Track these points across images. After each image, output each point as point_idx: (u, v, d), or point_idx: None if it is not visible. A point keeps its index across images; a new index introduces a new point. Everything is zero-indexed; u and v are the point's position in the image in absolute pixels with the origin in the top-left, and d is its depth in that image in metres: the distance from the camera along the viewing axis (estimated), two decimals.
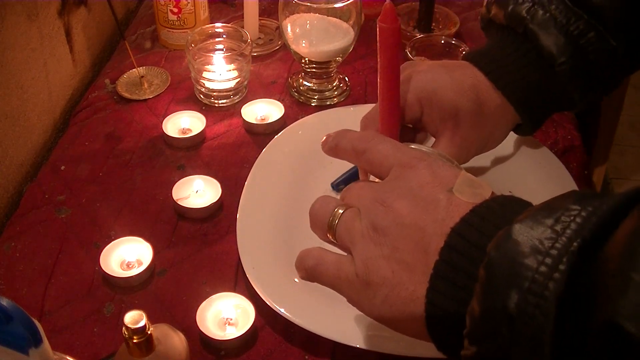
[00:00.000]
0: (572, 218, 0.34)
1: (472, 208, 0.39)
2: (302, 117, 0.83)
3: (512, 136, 0.78)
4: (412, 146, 0.54)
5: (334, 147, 0.50)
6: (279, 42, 0.98)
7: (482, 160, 0.74)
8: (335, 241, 0.47)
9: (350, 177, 0.75)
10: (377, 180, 0.48)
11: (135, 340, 0.48)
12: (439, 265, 0.39)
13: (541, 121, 0.66)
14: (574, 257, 0.33)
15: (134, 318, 0.47)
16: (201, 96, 0.88)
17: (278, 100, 0.86)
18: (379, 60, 0.57)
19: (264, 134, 0.82)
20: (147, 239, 0.68)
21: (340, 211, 0.46)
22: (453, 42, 0.88)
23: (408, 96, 0.62)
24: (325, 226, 0.46)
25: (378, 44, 0.56)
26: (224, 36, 0.90)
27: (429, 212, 0.41)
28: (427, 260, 0.40)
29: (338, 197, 0.73)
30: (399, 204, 0.42)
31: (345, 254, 0.46)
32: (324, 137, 0.52)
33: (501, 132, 0.64)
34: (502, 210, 0.39)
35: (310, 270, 0.47)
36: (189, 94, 0.89)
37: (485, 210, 0.39)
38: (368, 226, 0.43)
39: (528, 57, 0.62)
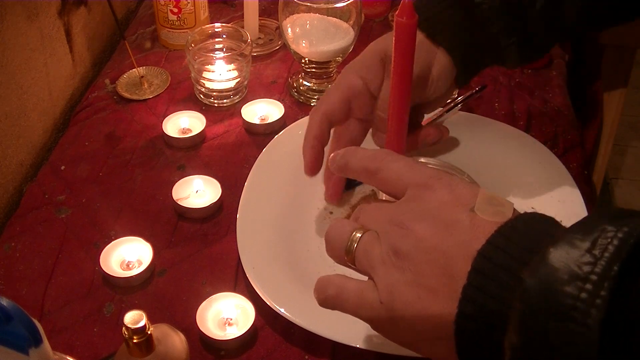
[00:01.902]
0: (609, 240, 0.33)
1: (497, 229, 0.38)
2: (302, 117, 0.83)
3: (512, 137, 0.79)
4: (422, 160, 0.54)
5: (343, 166, 0.49)
6: (279, 42, 0.98)
7: (481, 160, 0.74)
8: (353, 266, 0.45)
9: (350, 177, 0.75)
10: (388, 198, 0.47)
11: (135, 340, 0.48)
12: (467, 290, 0.38)
13: (472, 68, 0.65)
14: (614, 282, 0.32)
15: (134, 318, 0.47)
16: (201, 96, 0.88)
17: (278, 100, 0.86)
18: (393, 55, 0.57)
19: (264, 134, 0.82)
20: (147, 239, 0.68)
21: (358, 235, 0.44)
22: None
23: (351, 81, 0.63)
24: (342, 251, 0.45)
25: (394, 39, 0.56)
26: (224, 36, 0.90)
27: (452, 234, 0.40)
28: (453, 284, 0.38)
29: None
30: (419, 227, 0.41)
31: (365, 278, 0.44)
32: (331, 155, 0.50)
33: (433, 71, 0.63)
34: (528, 229, 0.38)
35: (332, 299, 0.46)
36: (189, 94, 0.89)
37: (510, 231, 0.38)
38: (388, 250, 0.42)
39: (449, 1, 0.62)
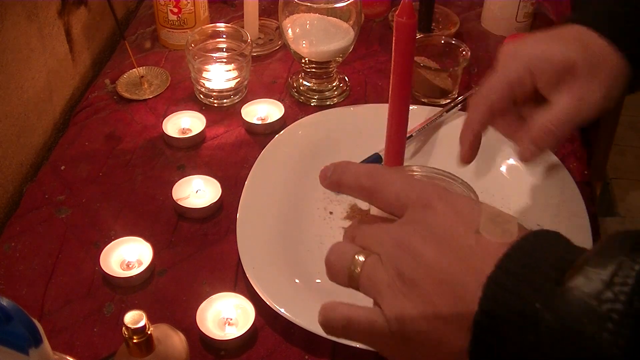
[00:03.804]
0: (628, 273, 0.32)
1: (506, 252, 0.37)
2: (302, 117, 0.83)
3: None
4: (415, 169, 0.51)
5: (335, 182, 0.46)
6: (279, 42, 0.98)
7: (481, 160, 0.74)
8: (358, 290, 0.43)
9: None
10: (382, 213, 0.45)
11: (135, 340, 0.48)
12: (480, 317, 0.36)
13: None
14: (636, 320, 0.31)
15: (134, 318, 0.47)
16: (201, 96, 0.88)
17: (278, 100, 0.86)
18: (393, 55, 0.57)
19: (264, 134, 0.82)
20: (147, 239, 0.68)
21: (361, 259, 0.42)
22: (453, 42, 0.88)
23: (517, 69, 0.58)
24: (345, 277, 0.43)
25: (394, 38, 0.56)
26: (224, 36, 0.90)
27: (460, 258, 0.38)
28: (465, 311, 0.37)
29: (339, 197, 0.74)
30: (425, 251, 0.39)
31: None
32: (322, 169, 0.47)
33: (617, 81, 0.58)
34: (539, 252, 0.37)
35: (340, 331, 0.43)
36: (189, 94, 0.89)
37: (520, 255, 0.37)
38: (394, 276, 0.40)
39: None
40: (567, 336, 0.32)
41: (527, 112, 0.60)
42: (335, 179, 0.46)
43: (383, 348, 0.42)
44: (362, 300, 0.64)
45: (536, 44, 0.59)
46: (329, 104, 0.87)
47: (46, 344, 0.42)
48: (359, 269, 0.42)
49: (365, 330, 0.42)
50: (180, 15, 0.94)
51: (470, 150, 0.61)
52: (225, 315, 0.61)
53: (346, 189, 0.46)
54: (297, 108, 0.87)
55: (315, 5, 0.80)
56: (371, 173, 0.44)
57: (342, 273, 0.43)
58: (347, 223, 0.71)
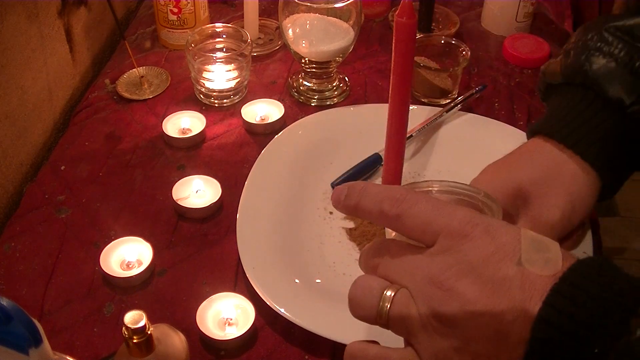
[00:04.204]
0: None
1: (553, 286, 0.34)
2: (302, 117, 0.83)
3: (512, 137, 0.78)
4: (434, 186, 0.47)
5: (352, 207, 0.42)
6: (279, 42, 0.98)
7: (481, 160, 0.74)
8: (386, 328, 0.40)
9: (350, 177, 0.75)
10: (402, 237, 0.42)
11: (135, 340, 0.48)
12: (530, 359, 0.34)
13: (621, 177, 0.59)
14: None
15: (134, 318, 0.47)
16: (201, 96, 0.88)
17: (278, 100, 0.86)
18: (393, 55, 0.57)
19: (264, 134, 0.82)
20: (147, 239, 0.68)
21: (390, 294, 0.39)
22: (453, 42, 0.88)
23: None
24: (373, 314, 0.39)
25: (394, 38, 0.56)
26: (224, 36, 0.90)
27: (502, 294, 0.35)
28: (509, 350, 0.35)
29: None
30: (462, 287, 0.36)
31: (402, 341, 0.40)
32: (335, 191, 0.43)
33: (578, 188, 0.56)
34: (588, 285, 0.34)
35: None
36: (189, 94, 0.89)
37: (570, 289, 0.34)
38: (429, 315, 0.37)
39: (593, 108, 0.56)
40: None
41: None
42: (352, 204, 0.42)
43: None
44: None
45: (488, 176, 0.58)
46: (329, 104, 0.87)
47: (46, 344, 0.42)
48: (388, 305, 0.39)
49: None
50: (180, 15, 0.94)
51: None
52: (225, 315, 0.61)
53: (365, 215, 0.42)
54: (297, 108, 0.87)
55: (315, 5, 0.80)
56: (394, 197, 0.40)
57: (369, 310, 0.40)
58: (347, 223, 0.71)
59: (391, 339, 0.42)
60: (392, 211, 0.40)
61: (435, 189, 0.44)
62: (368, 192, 0.41)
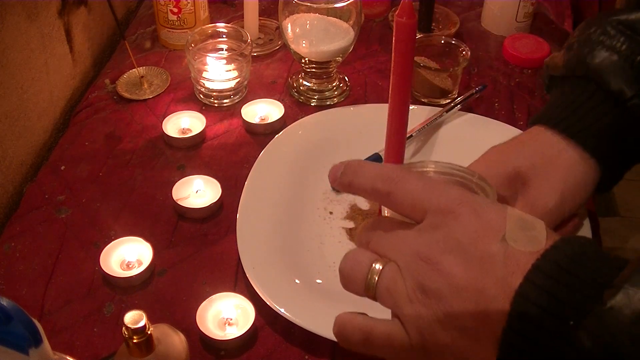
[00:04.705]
0: None
1: (535, 263, 0.35)
2: (302, 117, 0.83)
3: (512, 137, 0.78)
4: (431, 166, 0.48)
5: (347, 184, 0.43)
6: (279, 42, 0.98)
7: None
8: (374, 300, 0.41)
9: None
10: (394, 214, 0.43)
11: (135, 340, 0.48)
12: (508, 334, 0.35)
13: (620, 170, 0.59)
14: None
15: (134, 318, 0.47)
16: (201, 96, 0.88)
17: (278, 100, 0.86)
18: (393, 55, 0.57)
19: (264, 134, 0.82)
20: (147, 239, 0.68)
21: (378, 267, 0.40)
22: (453, 42, 0.88)
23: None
24: (362, 286, 0.41)
25: (394, 38, 0.56)
26: (224, 36, 0.90)
27: (486, 270, 0.36)
28: (491, 325, 0.36)
29: (339, 197, 0.74)
30: (448, 262, 0.37)
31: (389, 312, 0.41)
32: (332, 168, 0.44)
33: (576, 177, 0.57)
34: (569, 263, 0.35)
35: (359, 344, 0.42)
36: (189, 94, 0.89)
37: (551, 266, 0.35)
38: (415, 288, 0.38)
39: (594, 99, 0.57)
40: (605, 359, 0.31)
41: None
42: (347, 181, 0.43)
43: None
44: (366, 306, 0.64)
45: (488, 159, 0.59)
46: (329, 104, 0.87)
47: (46, 344, 0.42)
48: (376, 278, 0.40)
49: (385, 344, 0.40)
50: (180, 15, 0.94)
51: None
52: (225, 315, 0.61)
53: (359, 192, 0.43)
54: (297, 108, 0.87)
55: (315, 5, 0.80)
56: (387, 176, 0.41)
57: (358, 282, 0.41)
58: (347, 223, 0.71)
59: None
60: (384, 188, 0.41)
61: (431, 169, 0.46)
62: (363, 170, 0.42)
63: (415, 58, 0.87)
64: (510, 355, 0.35)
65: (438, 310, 0.37)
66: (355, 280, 0.41)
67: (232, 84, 0.86)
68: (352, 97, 0.89)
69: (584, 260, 0.35)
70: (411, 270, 0.39)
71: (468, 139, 0.79)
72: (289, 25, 0.83)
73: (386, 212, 0.44)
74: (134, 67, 0.90)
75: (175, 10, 0.94)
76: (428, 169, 0.46)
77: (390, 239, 0.41)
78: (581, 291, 0.34)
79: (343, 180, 0.43)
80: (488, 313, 0.36)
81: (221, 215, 0.72)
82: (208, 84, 0.86)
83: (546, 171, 0.56)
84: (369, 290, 0.41)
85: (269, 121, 0.83)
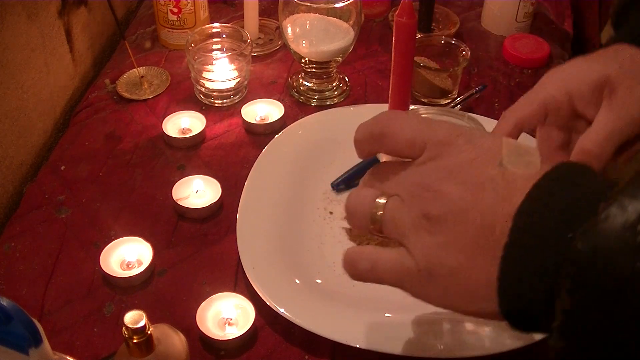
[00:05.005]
0: None
1: (535, 182, 0.37)
2: (302, 117, 0.83)
3: None
4: (422, 110, 0.49)
5: (355, 144, 0.45)
6: (279, 42, 0.98)
7: None
8: (380, 235, 0.43)
9: (351, 177, 0.75)
10: (392, 159, 0.44)
11: (135, 340, 0.48)
12: (510, 248, 0.36)
13: None
14: None
15: (134, 318, 0.47)
16: (201, 96, 0.88)
17: (278, 100, 0.86)
18: (393, 55, 0.57)
19: (264, 134, 0.82)
20: (147, 239, 0.68)
21: (382, 201, 0.42)
22: (453, 42, 0.88)
23: (552, 89, 0.57)
24: (367, 220, 0.42)
25: (394, 38, 0.56)
26: (224, 36, 0.90)
27: (486, 192, 0.38)
28: (493, 243, 0.37)
29: (339, 197, 0.74)
30: (449, 188, 0.39)
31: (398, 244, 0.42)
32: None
33: None
34: (568, 183, 0.36)
35: (366, 273, 0.43)
36: (189, 94, 0.89)
37: (551, 184, 0.36)
38: (419, 216, 0.39)
39: None
40: (600, 267, 0.32)
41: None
42: (354, 142, 0.45)
43: (412, 287, 0.42)
44: (362, 305, 0.64)
45: (573, 67, 0.58)
46: (329, 104, 0.87)
47: (46, 344, 0.42)
48: (381, 212, 0.42)
49: (393, 271, 0.42)
50: (180, 15, 0.94)
51: None
52: (225, 315, 0.61)
53: (362, 145, 0.45)
54: (297, 108, 0.87)
55: (315, 5, 0.80)
56: (378, 119, 0.43)
57: (364, 217, 0.42)
58: (347, 223, 0.71)
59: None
60: (377, 130, 0.43)
61: (422, 112, 0.46)
62: (360, 126, 0.45)
63: (415, 58, 0.87)
64: (512, 268, 0.36)
65: (443, 235, 0.38)
66: (360, 215, 0.43)
67: (232, 84, 0.86)
68: (352, 97, 0.89)
69: (582, 180, 0.37)
70: (414, 200, 0.40)
71: None
72: (289, 25, 0.83)
73: (384, 158, 0.45)
74: (134, 67, 0.90)
75: (175, 10, 0.94)
76: (421, 114, 0.46)
77: (391, 175, 0.42)
78: (578, 205, 0.35)
79: (354, 143, 0.45)
80: (491, 230, 0.37)
81: (221, 215, 0.72)
82: (208, 84, 0.86)
83: (634, 80, 0.55)
84: (375, 223, 0.42)
85: (269, 121, 0.83)
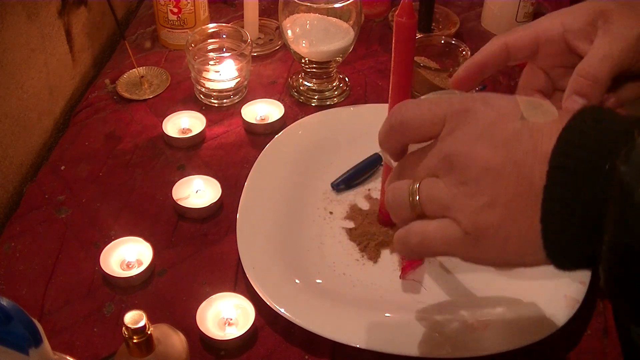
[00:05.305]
0: None
1: (565, 125, 0.38)
2: (302, 117, 0.83)
3: None
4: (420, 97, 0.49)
5: (380, 145, 0.46)
6: (279, 42, 0.98)
7: None
8: (424, 218, 0.43)
9: (351, 177, 0.75)
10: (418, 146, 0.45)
11: (135, 340, 0.48)
12: (550, 188, 0.37)
13: None
14: None
15: (134, 318, 0.47)
16: (201, 96, 0.88)
17: (278, 100, 0.86)
18: (393, 55, 0.57)
19: (264, 134, 0.82)
20: (147, 239, 0.68)
21: (416, 186, 0.43)
22: (453, 42, 0.88)
23: (546, 21, 0.56)
24: (407, 210, 0.43)
25: (394, 38, 0.56)
26: (224, 36, 0.90)
27: (515, 146, 0.39)
28: (533, 191, 0.38)
29: (339, 197, 0.74)
30: (479, 150, 0.39)
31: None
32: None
33: None
34: (595, 121, 0.37)
35: (417, 247, 0.43)
36: (189, 94, 0.89)
37: (579, 124, 0.37)
38: (456, 184, 0.40)
39: None
40: None
41: None
42: (380, 144, 0.46)
43: (462, 252, 0.42)
44: (365, 308, 0.64)
45: (569, 7, 0.58)
46: (329, 104, 0.87)
47: (46, 344, 0.42)
48: (417, 197, 0.42)
49: (442, 240, 0.42)
50: (180, 15, 0.94)
51: (463, 74, 0.57)
52: (225, 315, 0.61)
53: (385, 143, 0.46)
54: (297, 108, 0.87)
55: (315, 5, 0.81)
56: (393, 112, 0.44)
57: (403, 208, 0.43)
58: (347, 223, 0.71)
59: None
60: (396, 121, 0.44)
61: (419, 96, 0.46)
62: (380, 130, 0.46)
63: (415, 58, 0.87)
64: (553, 208, 0.37)
65: (481, 195, 0.39)
66: (400, 206, 0.43)
67: (232, 84, 0.86)
68: (352, 97, 0.89)
69: (608, 117, 0.37)
70: (448, 172, 0.41)
71: None
72: (289, 25, 0.83)
73: (412, 149, 0.46)
74: (134, 67, 0.90)
75: (175, 10, 0.94)
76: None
77: (418, 161, 0.43)
78: (611, 138, 0.36)
79: (380, 140, 0.46)
80: (528, 181, 0.38)
81: (221, 215, 0.72)
82: (208, 84, 0.86)
83: (630, 9, 0.56)
84: (415, 208, 0.43)
85: (268, 121, 0.83)
